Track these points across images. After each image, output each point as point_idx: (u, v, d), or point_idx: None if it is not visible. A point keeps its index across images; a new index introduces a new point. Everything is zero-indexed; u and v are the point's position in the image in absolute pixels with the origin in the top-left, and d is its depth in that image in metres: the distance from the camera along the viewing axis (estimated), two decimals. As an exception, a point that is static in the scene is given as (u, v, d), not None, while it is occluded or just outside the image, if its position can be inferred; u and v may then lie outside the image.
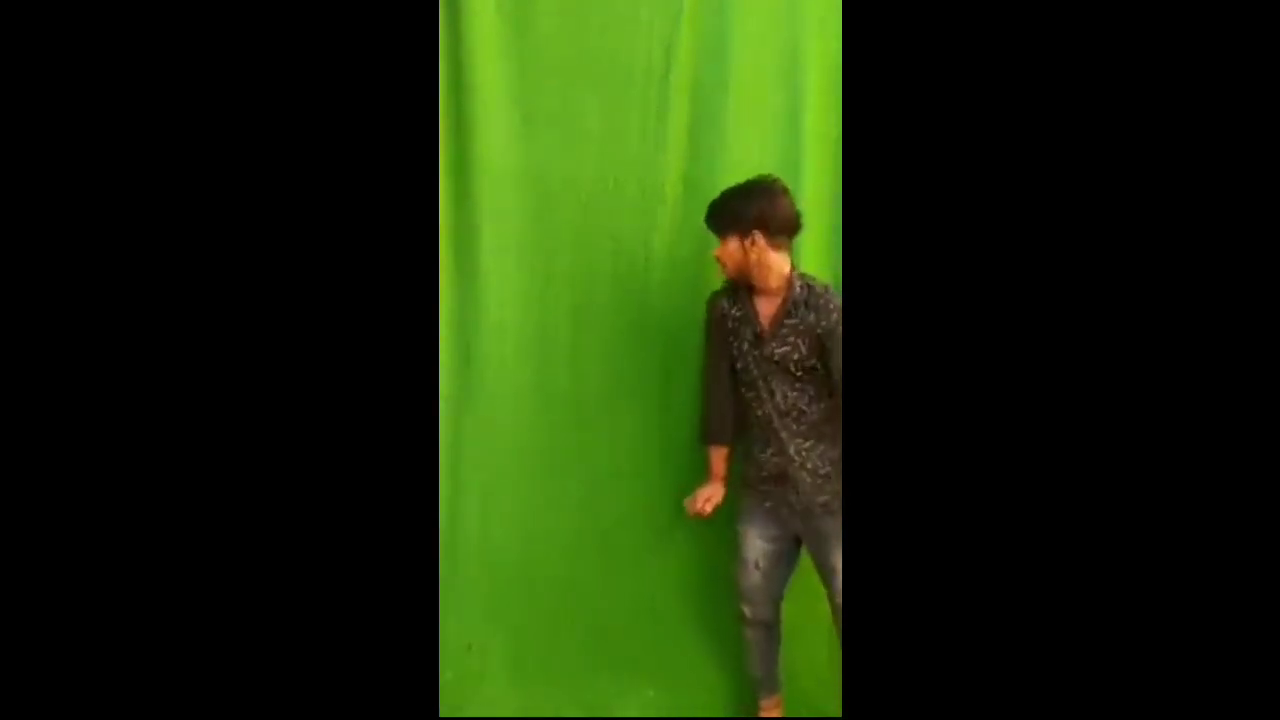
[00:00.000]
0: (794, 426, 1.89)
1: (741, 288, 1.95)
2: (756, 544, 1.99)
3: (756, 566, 2.00)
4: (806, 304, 1.85)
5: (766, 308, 1.91)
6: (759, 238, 1.84)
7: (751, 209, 1.86)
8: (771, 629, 2.08)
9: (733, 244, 1.87)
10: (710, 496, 2.00)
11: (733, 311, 1.95)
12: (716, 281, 2.23)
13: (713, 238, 2.15)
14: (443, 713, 1.86)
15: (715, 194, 2.18)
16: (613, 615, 2.32)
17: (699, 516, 2.00)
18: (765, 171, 2.20)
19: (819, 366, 1.84)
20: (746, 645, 2.10)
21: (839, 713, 1.75)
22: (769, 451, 1.93)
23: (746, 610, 2.05)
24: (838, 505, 1.84)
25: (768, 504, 1.97)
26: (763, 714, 2.08)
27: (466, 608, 2.24)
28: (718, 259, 1.91)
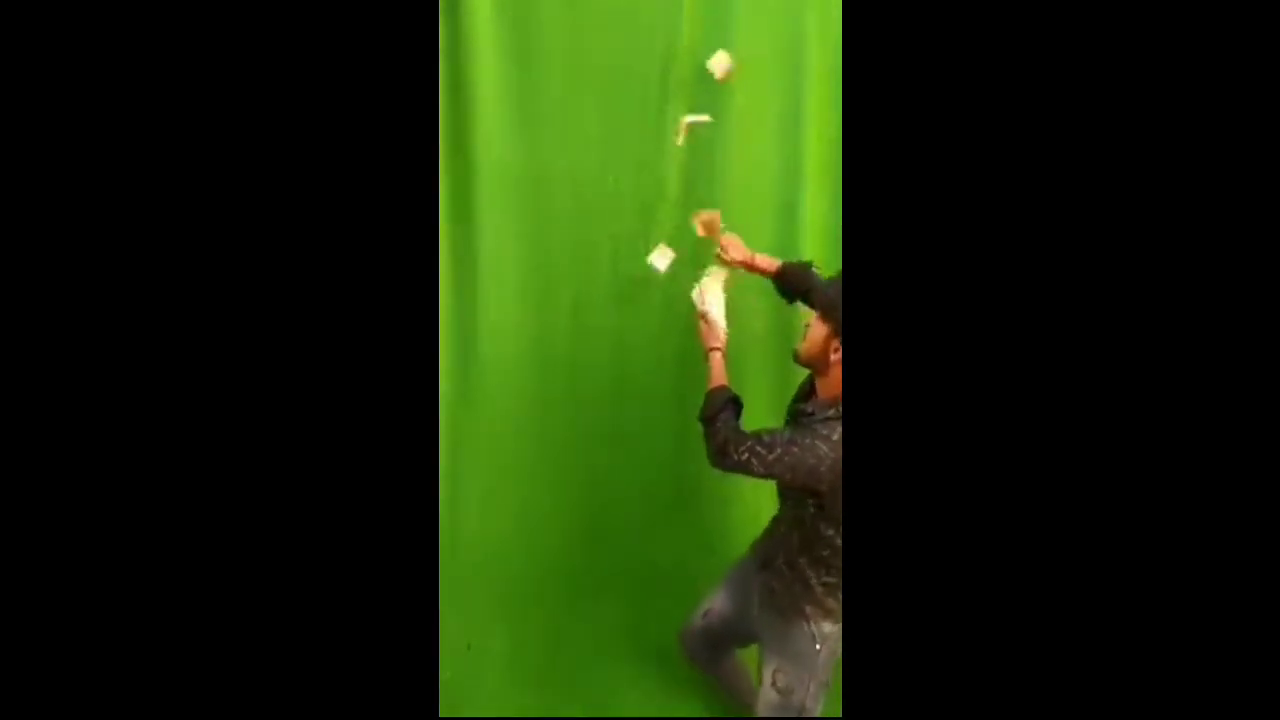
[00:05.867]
0: (794, 545, 1.65)
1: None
2: (721, 598, 1.88)
3: (705, 615, 1.89)
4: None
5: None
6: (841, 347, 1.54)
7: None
8: (716, 673, 2.00)
9: (821, 330, 1.57)
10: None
11: (796, 404, 1.72)
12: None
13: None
14: (443, 713, 1.86)
15: (715, 193, 2.18)
16: (613, 615, 2.32)
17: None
18: (764, 171, 2.21)
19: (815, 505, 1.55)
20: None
21: (839, 713, 1.75)
22: (763, 558, 1.75)
23: (684, 648, 1.96)
24: (795, 613, 1.64)
25: (749, 573, 1.81)
26: None
27: (466, 608, 2.25)
28: (805, 328, 1.63)
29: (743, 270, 1.93)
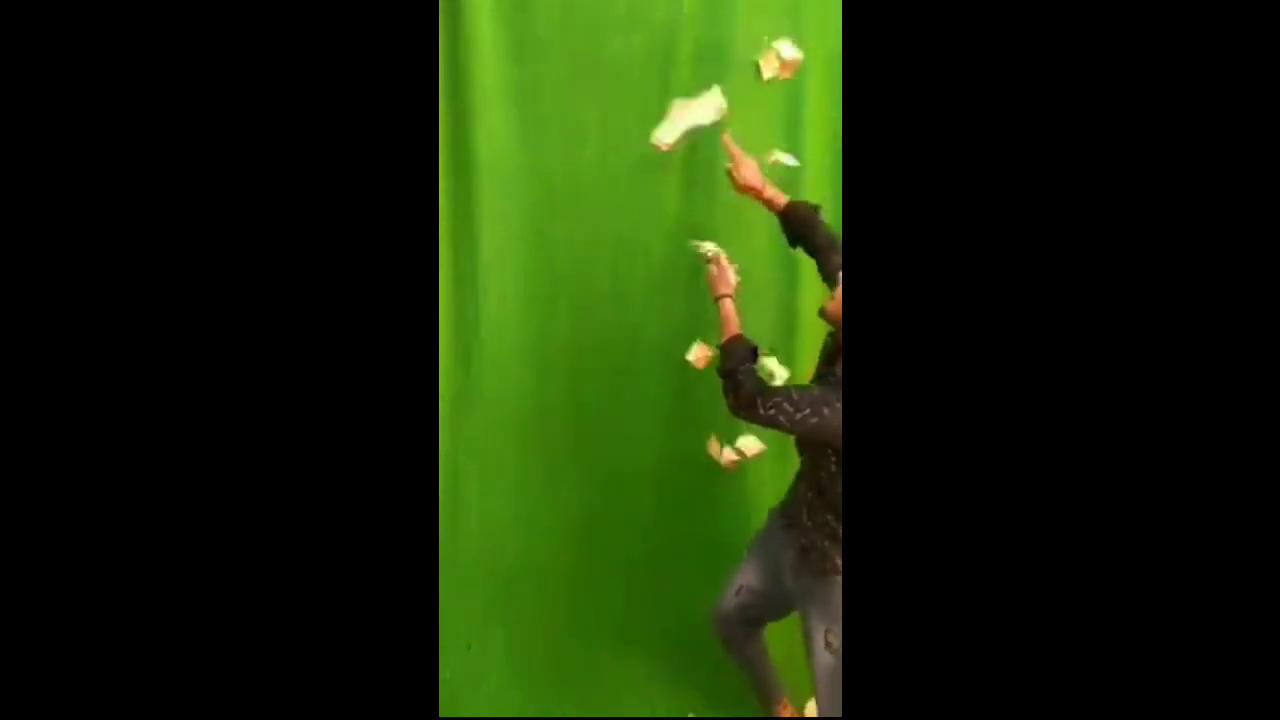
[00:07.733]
0: (815, 502, 1.68)
1: None
2: (750, 571, 1.85)
3: (737, 594, 1.86)
4: None
5: None
6: None
7: None
8: (748, 653, 1.98)
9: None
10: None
11: (824, 367, 1.72)
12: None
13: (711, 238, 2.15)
14: (443, 712, 1.86)
15: (715, 193, 2.18)
16: (613, 615, 2.33)
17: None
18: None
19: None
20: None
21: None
22: (787, 518, 1.77)
23: (718, 630, 1.93)
24: (830, 566, 1.67)
25: (776, 538, 1.81)
26: (780, 713, 2.08)
27: (466, 607, 2.25)
28: (833, 300, 1.59)
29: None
